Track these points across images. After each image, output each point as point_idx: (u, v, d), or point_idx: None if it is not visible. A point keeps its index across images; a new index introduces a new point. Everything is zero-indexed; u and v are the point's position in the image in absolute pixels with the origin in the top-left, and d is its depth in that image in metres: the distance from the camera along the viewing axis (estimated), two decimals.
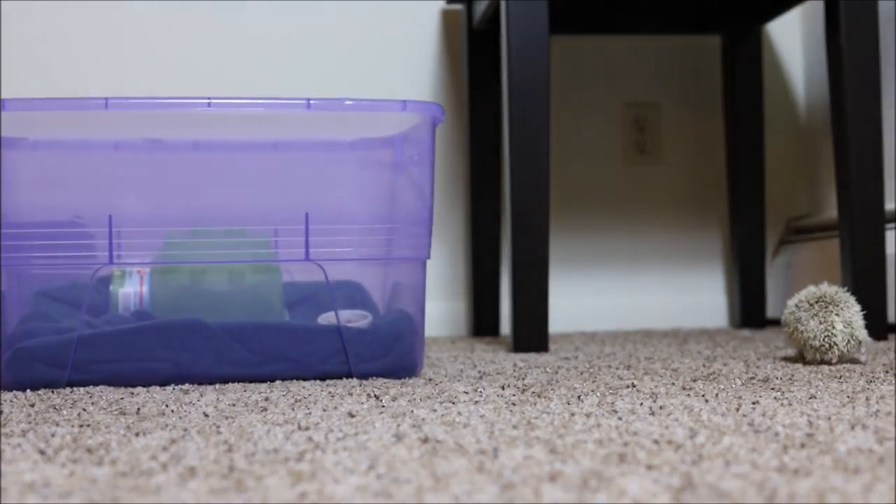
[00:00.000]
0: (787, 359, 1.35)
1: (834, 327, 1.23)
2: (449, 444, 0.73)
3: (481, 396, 1.00)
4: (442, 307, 2.07)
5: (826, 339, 1.24)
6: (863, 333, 1.25)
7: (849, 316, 1.24)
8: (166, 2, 2.03)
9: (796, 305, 1.29)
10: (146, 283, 1.21)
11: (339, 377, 1.20)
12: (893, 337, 1.67)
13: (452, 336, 2.04)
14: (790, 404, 0.90)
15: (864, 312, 1.32)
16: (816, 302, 1.26)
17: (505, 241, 2.05)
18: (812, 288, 1.29)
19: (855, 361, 1.28)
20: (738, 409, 0.87)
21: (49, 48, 1.99)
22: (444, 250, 2.09)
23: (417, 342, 1.22)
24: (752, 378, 1.12)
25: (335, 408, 0.94)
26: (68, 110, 1.16)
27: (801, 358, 1.32)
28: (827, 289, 1.28)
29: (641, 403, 0.93)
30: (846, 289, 1.33)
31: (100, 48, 2.01)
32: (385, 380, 1.19)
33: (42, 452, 0.73)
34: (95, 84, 2.00)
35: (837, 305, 1.25)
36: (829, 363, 1.25)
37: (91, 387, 1.15)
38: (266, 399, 1.02)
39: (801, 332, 1.26)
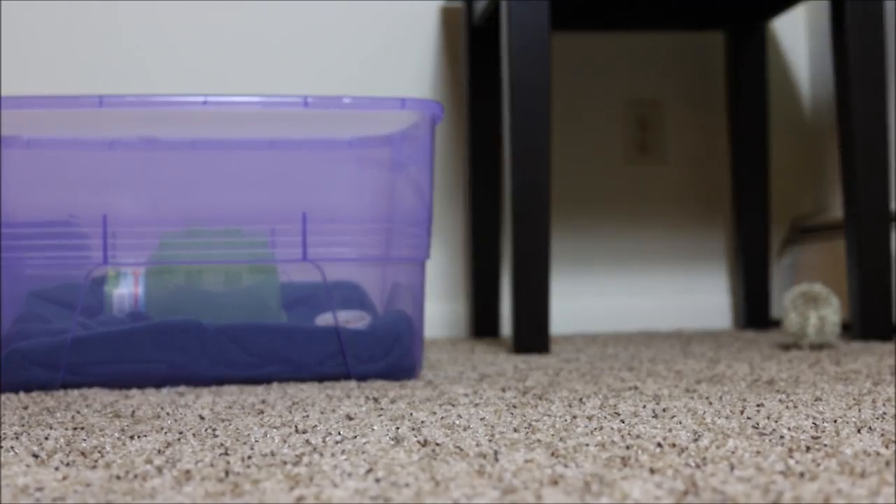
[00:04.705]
0: (776, 344, 1.61)
1: (808, 320, 1.48)
2: (449, 448, 0.72)
3: (481, 399, 1.00)
4: (442, 308, 2.06)
5: (800, 328, 1.49)
6: (833, 328, 1.49)
7: (824, 312, 1.48)
8: (165, 1, 2.02)
9: (786, 298, 1.53)
10: (141, 284, 1.20)
11: (337, 379, 1.20)
12: None
13: (452, 337, 2.03)
14: (795, 407, 0.89)
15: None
16: (799, 297, 1.51)
17: (505, 241, 2.04)
18: (804, 286, 1.52)
19: (826, 347, 1.51)
20: (742, 412, 0.87)
21: (49, 47, 1.99)
22: (444, 250, 2.08)
23: (416, 343, 1.22)
24: (757, 380, 1.11)
25: (333, 410, 0.94)
26: (63, 108, 1.16)
27: (787, 346, 1.56)
28: (815, 288, 1.51)
29: (644, 406, 0.92)
30: (830, 289, 1.60)
31: (99, 48, 2.00)
32: (384, 382, 1.19)
33: (35, 456, 0.72)
34: (95, 83, 1.99)
35: (816, 302, 1.49)
36: (800, 348, 1.50)
37: (85, 389, 1.14)
38: (263, 401, 1.01)
39: (785, 321, 1.51)
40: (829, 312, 1.48)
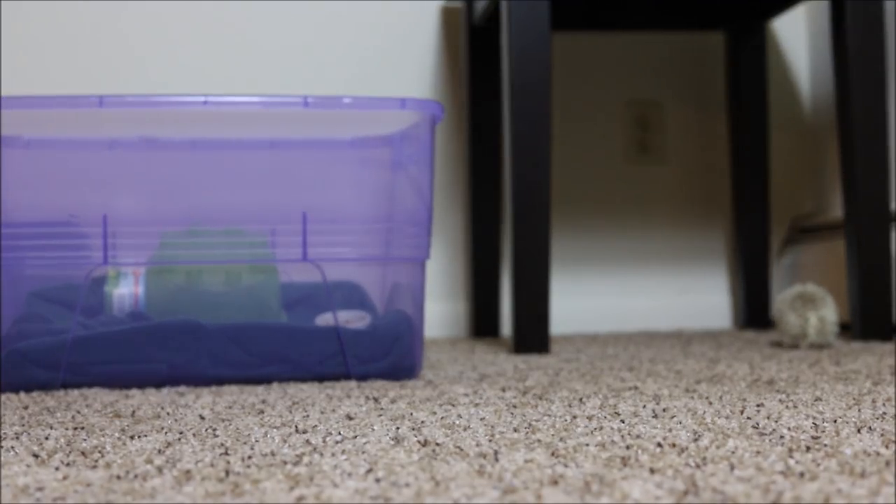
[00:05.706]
0: (772, 343, 1.62)
1: (808, 321, 1.49)
2: (449, 448, 0.72)
3: (481, 399, 1.00)
4: (442, 308, 2.06)
5: (801, 330, 1.50)
6: (832, 328, 1.50)
7: (823, 313, 1.49)
8: (166, 1, 2.02)
9: (782, 300, 1.54)
10: (141, 284, 1.20)
11: (338, 379, 1.20)
12: None
13: (452, 337, 2.03)
14: (795, 407, 0.89)
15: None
16: (797, 298, 1.52)
17: (505, 241, 2.04)
18: (798, 287, 1.54)
19: (822, 347, 1.50)
20: (742, 412, 0.87)
21: (49, 47, 1.99)
22: (444, 250, 2.08)
23: (417, 343, 1.21)
24: (757, 380, 1.11)
25: (333, 410, 0.93)
26: (63, 108, 1.16)
27: (781, 344, 1.58)
28: (809, 289, 1.53)
29: (644, 406, 0.92)
30: (824, 289, 1.63)
31: (99, 48, 2.00)
32: (384, 381, 1.18)
33: (36, 455, 0.72)
34: (95, 83, 1.99)
35: (814, 302, 1.51)
36: (798, 349, 1.49)
37: (85, 389, 1.14)
38: (263, 401, 1.01)
39: (782, 321, 1.52)
40: (828, 313, 1.50)
